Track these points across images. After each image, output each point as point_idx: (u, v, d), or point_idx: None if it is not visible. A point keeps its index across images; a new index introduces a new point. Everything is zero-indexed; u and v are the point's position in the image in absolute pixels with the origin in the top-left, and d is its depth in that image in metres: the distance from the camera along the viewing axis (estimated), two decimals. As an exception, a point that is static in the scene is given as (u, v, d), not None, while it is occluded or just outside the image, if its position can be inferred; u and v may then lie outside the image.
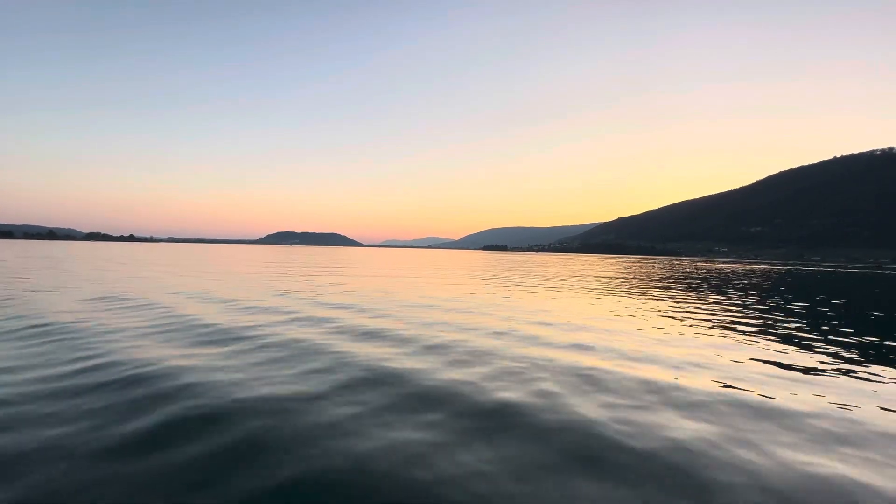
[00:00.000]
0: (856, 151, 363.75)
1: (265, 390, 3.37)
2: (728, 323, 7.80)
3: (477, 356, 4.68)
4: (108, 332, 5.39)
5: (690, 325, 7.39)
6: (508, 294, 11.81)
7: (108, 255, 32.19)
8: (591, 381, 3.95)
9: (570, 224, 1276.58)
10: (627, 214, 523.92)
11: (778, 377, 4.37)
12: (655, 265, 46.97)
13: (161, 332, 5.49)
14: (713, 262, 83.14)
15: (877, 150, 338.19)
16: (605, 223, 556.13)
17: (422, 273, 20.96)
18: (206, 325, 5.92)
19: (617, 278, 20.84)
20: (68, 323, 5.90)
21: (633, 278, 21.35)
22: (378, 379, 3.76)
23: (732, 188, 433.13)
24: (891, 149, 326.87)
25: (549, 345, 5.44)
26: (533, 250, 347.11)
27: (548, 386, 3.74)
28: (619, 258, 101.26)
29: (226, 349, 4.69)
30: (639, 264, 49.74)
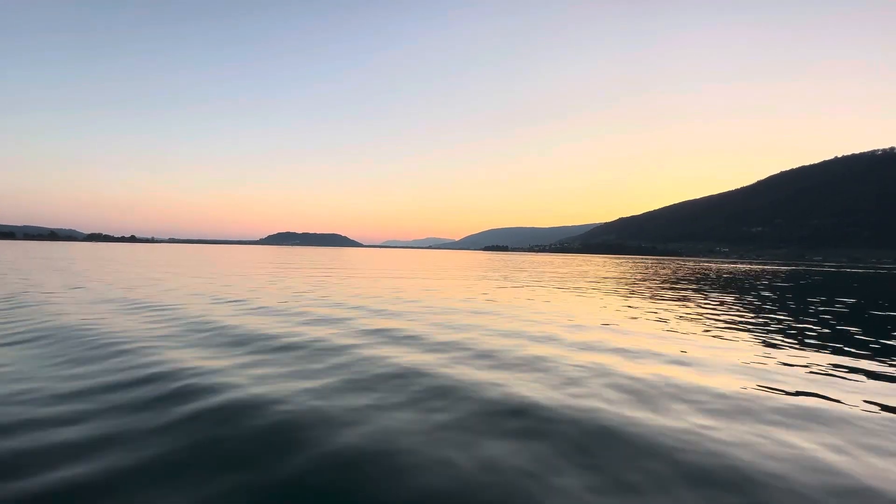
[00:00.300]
0: (857, 151, 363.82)
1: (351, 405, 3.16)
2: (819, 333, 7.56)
3: (596, 373, 4.30)
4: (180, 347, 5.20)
5: (762, 333, 6.88)
6: (537, 297, 11.56)
7: (117, 257, 32.03)
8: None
9: (570, 224, 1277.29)
10: (628, 215, 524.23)
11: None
12: (664, 265, 46.83)
13: (232, 345, 5.14)
14: (722, 262, 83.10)
15: (878, 149, 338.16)
16: (605, 223, 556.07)
17: (437, 275, 20.77)
18: (269, 336, 5.52)
19: (636, 279, 20.64)
20: (117, 332, 5.59)
21: (653, 279, 21.16)
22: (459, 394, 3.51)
23: (733, 188, 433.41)
24: (892, 149, 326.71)
25: (625, 354, 5.17)
26: (534, 251, 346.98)
27: (668, 404, 3.48)
28: (623, 258, 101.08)
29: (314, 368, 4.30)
30: (647, 265, 49.64)
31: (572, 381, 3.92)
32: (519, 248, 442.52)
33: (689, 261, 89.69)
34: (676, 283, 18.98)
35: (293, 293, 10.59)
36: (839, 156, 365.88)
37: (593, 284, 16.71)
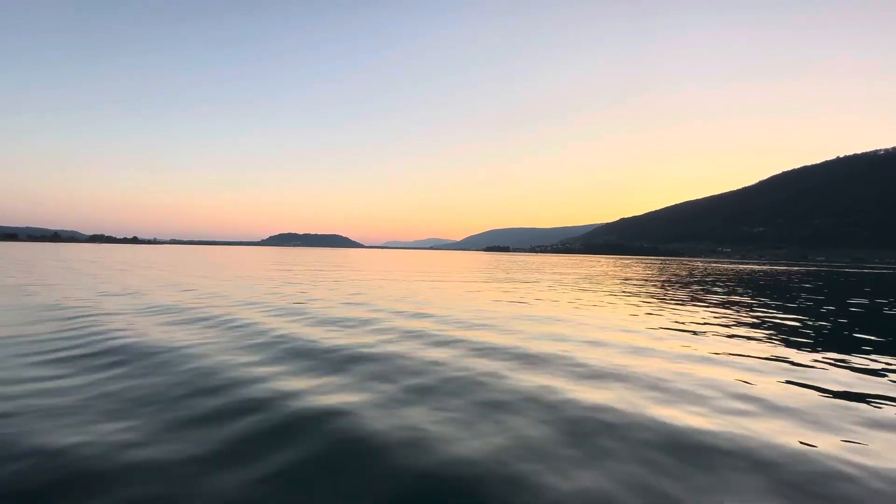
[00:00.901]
0: (859, 151, 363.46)
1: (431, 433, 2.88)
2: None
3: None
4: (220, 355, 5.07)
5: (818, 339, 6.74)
6: (593, 301, 11.50)
7: (128, 258, 32.27)
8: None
9: (571, 225, 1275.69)
10: (629, 215, 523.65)
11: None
12: (675, 266, 47.14)
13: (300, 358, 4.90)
14: (733, 263, 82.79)
15: (880, 149, 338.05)
16: (607, 224, 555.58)
17: (465, 276, 20.96)
18: (334, 349, 5.20)
19: (666, 280, 20.84)
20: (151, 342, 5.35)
21: (674, 280, 21.37)
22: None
23: (734, 188, 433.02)
24: (894, 148, 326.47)
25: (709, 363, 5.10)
26: (535, 251, 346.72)
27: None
28: (629, 258, 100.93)
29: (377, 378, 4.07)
30: (658, 265, 49.89)
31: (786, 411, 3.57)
32: (520, 249, 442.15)
33: (696, 261, 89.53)
34: (711, 285, 18.72)
35: (349, 299, 10.28)
36: (841, 155, 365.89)
37: (634, 287, 16.50)
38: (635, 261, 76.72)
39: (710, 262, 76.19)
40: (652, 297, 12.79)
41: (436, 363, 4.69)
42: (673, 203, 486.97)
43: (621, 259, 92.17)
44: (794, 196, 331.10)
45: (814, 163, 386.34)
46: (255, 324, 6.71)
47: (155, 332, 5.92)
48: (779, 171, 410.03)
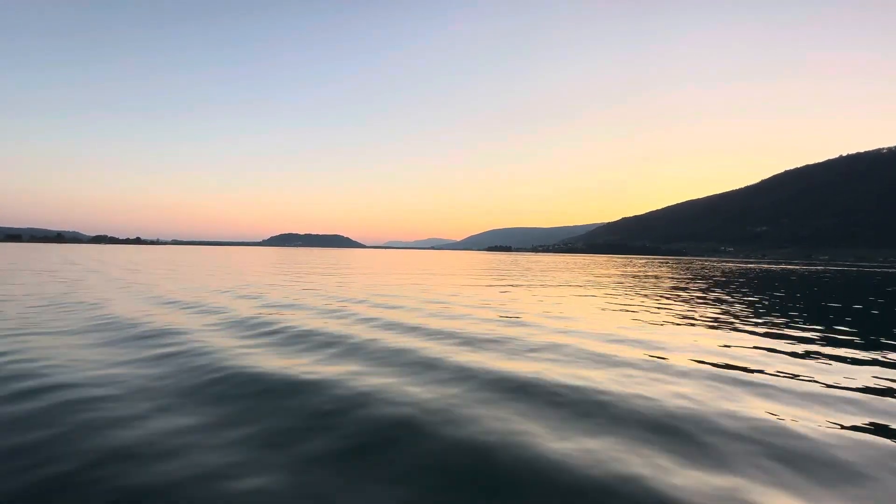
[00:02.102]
0: (861, 150, 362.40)
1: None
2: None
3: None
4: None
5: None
6: (633, 303, 11.33)
7: (142, 259, 32.35)
8: None
9: (572, 224, 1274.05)
10: (631, 214, 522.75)
11: None
12: (688, 265, 46.89)
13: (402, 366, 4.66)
14: (745, 262, 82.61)
15: (883, 148, 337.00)
16: (608, 223, 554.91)
17: (484, 278, 20.96)
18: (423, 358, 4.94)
19: (690, 279, 20.84)
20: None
21: (707, 280, 21.37)
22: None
23: (736, 188, 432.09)
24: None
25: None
26: (537, 251, 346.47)
27: None
28: (636, 258, 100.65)
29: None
30: (669, 264, 49.70)
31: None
32: (522, 249, 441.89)
33: (707, 260, 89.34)
34: (743, 286, 18.48)
35: (406, 304, 9.74)
36: (843, 154, 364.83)
37: (665, 289, 16.32)
38: (642, 260, 76.47)
39: (725, 262, 75.89)
40: (704, 301, 12.65)
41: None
42: (674, 203, 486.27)
43: (628, 258, 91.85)
44: (796, 195, 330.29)
45: (816, 161, 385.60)
46: (356, 338, 6.11)
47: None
48: (781, 171, 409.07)
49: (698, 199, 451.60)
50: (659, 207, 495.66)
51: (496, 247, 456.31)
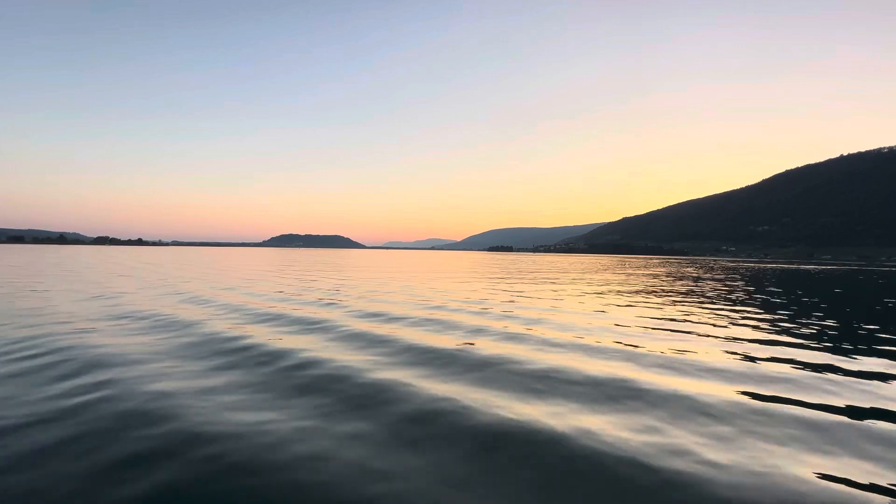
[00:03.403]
0: (863, 149, 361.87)
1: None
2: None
3: None
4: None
5: None
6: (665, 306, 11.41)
7: (152, 260, 32.19)
8: None
9: (572, 224, 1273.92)
10: (632, 214, 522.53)
11: None
12: (699, 265, 46.39)
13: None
14: (752, 262, 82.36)
15: (884, 147, 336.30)
16: (609, 223, 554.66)
17: (499, 279, 20.70)
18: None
19: (716, 280, 20.56)
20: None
21: (732, 282, 21.06)
22: None
23: (738, 187, 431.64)
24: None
25: None
26: (539, 251, 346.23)
27: None
28: (641, 258, 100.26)
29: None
30: (682, 264, 49.20)
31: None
32: (523, 249, 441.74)
33: (721, 260, 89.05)
34: (775, 287, 18.51)
35: (447, 306, 9.73)
36: (845, 154, 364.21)
37: (696, 293, 15.98)
38: (646, 260, 76.12)
39: (740, 262, 75.59)
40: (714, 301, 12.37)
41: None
42: (676, 202, 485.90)
43: (632, 259, 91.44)
44: (798, 195, 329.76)
45: (818, 161, 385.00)
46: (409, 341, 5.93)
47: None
48: (783, 170, 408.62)
49: (699, 199, 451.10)
50: (660, 207, 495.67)
51: (497, 247, 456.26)
